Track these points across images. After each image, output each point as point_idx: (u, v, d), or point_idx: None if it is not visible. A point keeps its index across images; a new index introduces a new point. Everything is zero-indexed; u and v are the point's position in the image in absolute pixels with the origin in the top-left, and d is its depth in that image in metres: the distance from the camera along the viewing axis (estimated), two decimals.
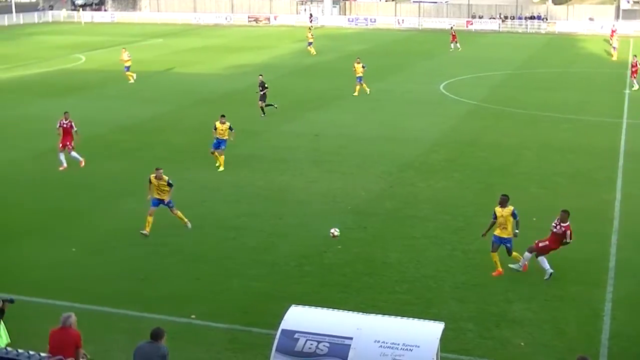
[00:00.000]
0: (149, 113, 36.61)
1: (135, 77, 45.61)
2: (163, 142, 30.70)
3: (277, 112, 36.06)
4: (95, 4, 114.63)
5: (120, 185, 24.49)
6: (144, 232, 19.74)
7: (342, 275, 17.49)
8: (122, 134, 32.22)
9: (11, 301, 12.64)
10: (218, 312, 15.65)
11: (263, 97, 35.33)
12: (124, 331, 14.73)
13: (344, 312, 11.84)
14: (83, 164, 26.26)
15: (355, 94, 41.00)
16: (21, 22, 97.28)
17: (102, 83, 45.84)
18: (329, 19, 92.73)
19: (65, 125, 26.18)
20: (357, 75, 41.02)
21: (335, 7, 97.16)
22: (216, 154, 26.48)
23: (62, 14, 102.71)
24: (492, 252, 17.48)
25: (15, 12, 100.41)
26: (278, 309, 12.65)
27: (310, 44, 61.08)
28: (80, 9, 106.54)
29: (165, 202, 20.10)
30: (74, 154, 26.25)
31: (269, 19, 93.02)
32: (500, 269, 17.42)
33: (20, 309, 15.12)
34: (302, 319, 11.12)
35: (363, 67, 40.94)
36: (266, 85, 35.33)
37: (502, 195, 17.60)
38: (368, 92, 41.12)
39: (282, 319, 11.01)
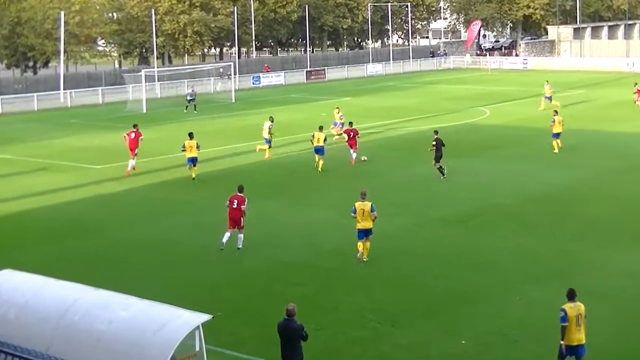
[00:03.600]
0: (564, 179, 36.69)
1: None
2: (578, 215, 30.63)
3: None
4: (505, 48, 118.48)
5: (524, 267, 24.84)
6: (359, 256, 25.08)
7: None
8: (530, 204, 32.68)
9: None
10: None
11: (438, 158, 36.86)
12: None
13: None
14: None
15: None
16: (419, 68, 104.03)
17: (508, 142, 46.99)
18: None
19: None
20: None
21: None
22: None
23: (465, 59, 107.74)
24: None
25: (413, 57, 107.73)
26: None
27: None
28: (487, 54, 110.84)
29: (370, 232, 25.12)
30: None
31: None
32: None
33: None
34: None
35: None
36: (443, 143, 37.13)
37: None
38: None
39: None
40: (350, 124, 42.34)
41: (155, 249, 27.25)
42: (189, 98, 66.13)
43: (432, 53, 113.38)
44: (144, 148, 41.91)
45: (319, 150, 39.37)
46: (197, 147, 37.74)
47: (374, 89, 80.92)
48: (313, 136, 39.78)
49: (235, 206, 26.61)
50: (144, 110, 65.93)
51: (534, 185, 35.66)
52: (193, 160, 37.80)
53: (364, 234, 25.02)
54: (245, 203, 26.74)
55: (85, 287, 16.47)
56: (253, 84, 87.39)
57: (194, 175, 37.83)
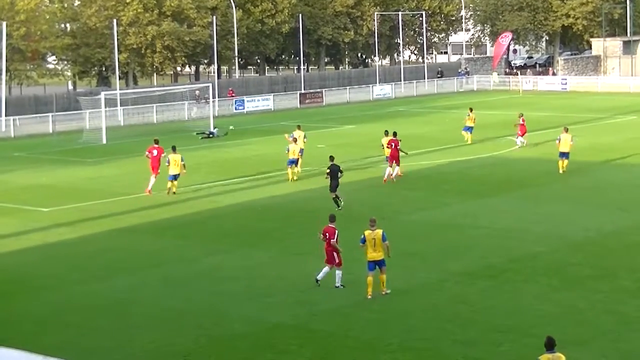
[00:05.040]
0: (611, 223, 36.72)
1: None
2: (631, 269, 30.57)
3: None
4: (540, 65, 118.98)
5: (564, 331, 24.68)
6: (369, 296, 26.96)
7: None
8: (572, 254, 32.60)
9: None
10: None
11: (333, 187, 39.99)
12: None
13: None
14: None
15: None
16: (435, 90, 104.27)
17: (543, 178, 46.89)
18: None
19: None
20: None
21: None
22: None
23: (492, 79, 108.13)
24: None
25: (428, 77, 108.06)
26: None
27: None
28: (518, 73, 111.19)
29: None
30: None
31: None
32: None
33: None
34: None
35: None
36: (341, 170, 40.28)
37: None
38: None
39: None
40: (395, 134, 46.98)
41: (115, 311, 27.11)
42: (207, 131, 69.16)
43: (440, 73, 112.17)
44: (101, 187, 41.90)
45: (293, 162, 46.49)
46: (182, 160, 43.37)
47: (382, 115, 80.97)
48: (288, 150, 46.66)
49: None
50: (104, 141, 65.97)
51: (574, 231, 35.65)
52: (175, 177, 43.17)
53: (376, 265, 27.06)
54: (335, 235, 28.38)
55: (30, 355, 16.37)
56: (236, 109, 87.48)
57: (174, 190, 43.25)
